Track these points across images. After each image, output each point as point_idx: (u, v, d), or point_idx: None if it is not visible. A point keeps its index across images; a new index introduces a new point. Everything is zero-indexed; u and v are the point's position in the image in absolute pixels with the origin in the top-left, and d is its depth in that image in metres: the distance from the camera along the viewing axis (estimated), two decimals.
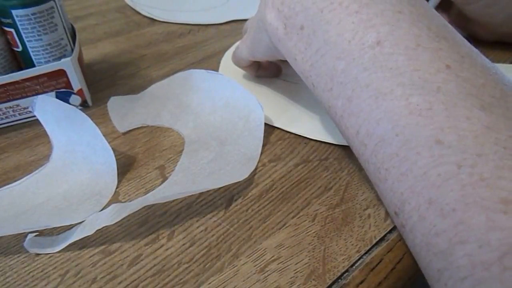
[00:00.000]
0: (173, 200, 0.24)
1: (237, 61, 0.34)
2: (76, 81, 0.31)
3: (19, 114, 0.30)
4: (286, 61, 0.26)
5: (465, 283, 0.15)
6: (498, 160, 0.15)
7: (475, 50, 0.20)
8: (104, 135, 0.25)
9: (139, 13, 0.51)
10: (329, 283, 0.20)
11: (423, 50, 0.18)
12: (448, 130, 0.16)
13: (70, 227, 0.22)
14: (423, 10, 0.20)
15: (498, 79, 0.18)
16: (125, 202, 0.24)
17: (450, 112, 0.17)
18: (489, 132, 0.16)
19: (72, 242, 0.21)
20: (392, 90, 0.18)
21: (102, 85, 0.36)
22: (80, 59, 0.32)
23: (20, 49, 0.29)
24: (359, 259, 0.21)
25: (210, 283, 0.20)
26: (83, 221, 0.22)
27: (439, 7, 0.39)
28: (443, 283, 0.16)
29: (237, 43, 0.33)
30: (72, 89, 0.31)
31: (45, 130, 0.27)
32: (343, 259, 0.21)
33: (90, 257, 0.21)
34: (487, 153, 0.15)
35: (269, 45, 0.26)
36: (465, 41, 0.20)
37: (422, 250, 0.17)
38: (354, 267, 0.20)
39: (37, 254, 0.21)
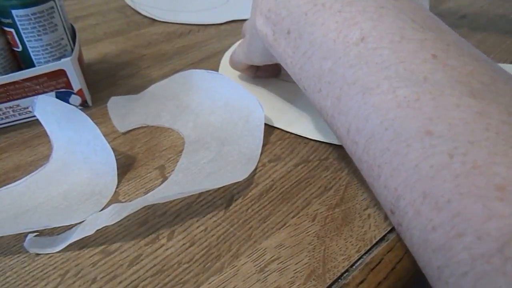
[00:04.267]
0: (173, 200, 0.24)
1: (234, 65, 0.34)
2: (76, 81, 0.31)
3: (19, 114, 0.30)
4: None
5: (467, 278, 0.14)
6: (490, 147, 0.15)
7: (462, 39, 0.19)
8: (104, 135, 0.25)
9: (139, 13, 0.51)
10: (329, 283, 0.20)
11: (407, 42, 0.18)
12: (437, 120, 0.16)
13: (70, 227, 0.22)
14: (407, 3, 0.20)
15: (487, 66, 0.17)
16: (125, 202, 0.24)
17: (438, 101, 0.16)
18: (480, 118, 0.15)
19: (72, 242, 0.21)
20: (379, 84, 0.18)
21: (102, 85, 0.36)
22: (80, 59, 0.32)
23: (20, 49, 0.29)
24: (359, 259, 0.21)
25: (210, 283, 0.20)
26: (83, 221, 0.22)
27: None
28: (444, 281, 0.15)
29: (237, 43, 0.33)
30: (72, 89, 0.31)
31: (45, 130, 0.27)
32: (343, 259, 0.21)
33: (90, 257, 0.21)
34: (479, 140, 0.15)
35: (264, 50, 0.27)
36: (452, 30, 0.20)
37: (420, 248, 0.17)
38: (354, 267, 0.20)
39: (37, 254, 0.21)
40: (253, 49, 0.28)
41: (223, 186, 0.25)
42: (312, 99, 0.23)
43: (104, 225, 0.21)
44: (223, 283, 0.20)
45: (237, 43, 0.33)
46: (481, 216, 0.14)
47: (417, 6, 0.21)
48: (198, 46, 0.42)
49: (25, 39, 0.29)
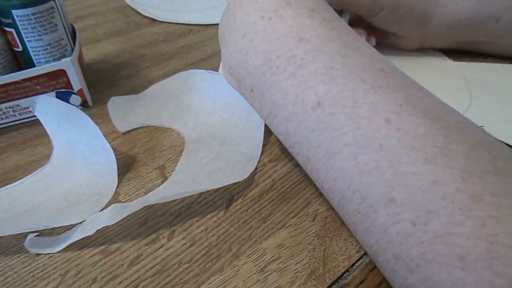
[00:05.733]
0: (173, 200, 0.24)
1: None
2: (76, 81, 0.31)
3: (19, 114, 0.30)
4: None
5: None
6: (448, 216, 0.15)
7: (414, 90, 0.19)
8: (104, 135, 0.25)
9: (139, 13, 0.51)
10: (329, 283, 0.20)
11: (360, 106, 0.19)
12: (397, 188, 0.17)
13: (70, 227, 0.22)
14: (356, 59, 0.21)
15: (440, 123, 0.18)
16: (125, 202, 0.24)
17: (396, 169, 0.17)
18: (436, 186, 0.16)
19: (72, 242, 0.21)
20: (340, 150, 0.19)
21: (102, 85, 0.36)
22: (80, 59, 0.32)
23: (20, 49, 0.29)
24: (359, 259, 0.21)
25: (210, 283, 0.20)
26: (83, 221, 0.22)
27: (355, 23, 0.36)
28: None
29: None
30: (72, 89, 0.31)
31: (45, 130, 0.27)
32: (343, 259, 0.21)
33: (90, 257, 0.21)
34: (437, 210, 0.16)
35: None
36: (402, 78, 0.20)
37: None
38: (354, 267, 0.20)
39: (37, 254, 0.21)
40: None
41: (223, 186, 0.25)
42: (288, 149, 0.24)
43: (104, 225, 0.21)
44: (223, 283, 0.20)
45: None
46: (448, 283, 0.15)
47: (365, 59, 0.21)
48: (198, 46, 0.42)
49: (25, 39, 0.29)
